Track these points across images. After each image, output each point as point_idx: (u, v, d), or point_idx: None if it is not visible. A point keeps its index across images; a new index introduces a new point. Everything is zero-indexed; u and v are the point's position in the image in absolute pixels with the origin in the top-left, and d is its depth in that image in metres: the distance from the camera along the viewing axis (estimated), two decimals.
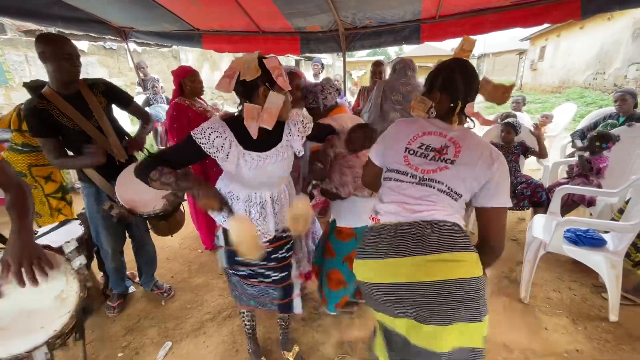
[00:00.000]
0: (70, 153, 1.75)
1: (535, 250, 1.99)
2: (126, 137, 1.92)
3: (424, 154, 1.04)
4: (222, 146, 1.11)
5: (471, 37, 1.12)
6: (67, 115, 1.64)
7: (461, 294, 0.91)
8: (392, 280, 0.96)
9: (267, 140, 1.20)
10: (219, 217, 1.32)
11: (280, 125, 1.22)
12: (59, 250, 1.46)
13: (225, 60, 11.55)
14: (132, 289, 2.30)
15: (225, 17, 3.61)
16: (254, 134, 1.10)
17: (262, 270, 1.39)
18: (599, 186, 2.51)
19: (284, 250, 1.42)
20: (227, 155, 1.12)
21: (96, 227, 1.88)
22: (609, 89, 9.35)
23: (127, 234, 2.06)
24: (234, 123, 1.15)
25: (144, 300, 2.22)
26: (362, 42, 3.80)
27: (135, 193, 1.78)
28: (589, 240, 1.96)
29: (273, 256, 1.38)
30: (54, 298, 1.05)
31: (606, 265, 1.81)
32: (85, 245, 1.97)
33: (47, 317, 1.01)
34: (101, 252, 1.98)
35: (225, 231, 1.31)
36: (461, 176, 0.99)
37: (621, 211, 2.12)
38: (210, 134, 1.10)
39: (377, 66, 3.42)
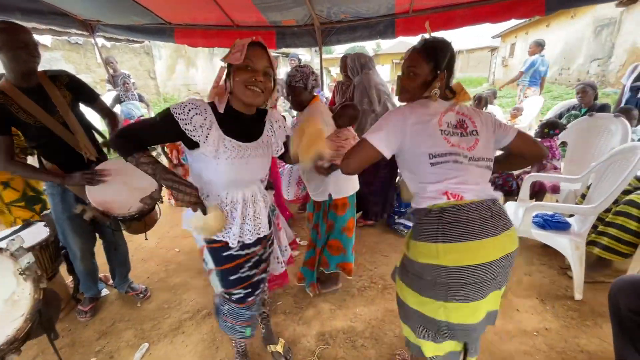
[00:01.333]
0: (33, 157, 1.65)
1: None
2: (97, 137, 1.84)
3: (454, 132, 1.07)
4: (200, 126, 1.04)
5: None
6: (28, 110, 1.52)
7: (511, 263, 1.06)
8: (501, 254, 1.01)
9: (248, 132, 1.16)
10: (188, 214, 1.20)
11: (260, 120, 1.21)
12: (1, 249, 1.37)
13: (200, 56, 11.27)
14: (105, 291, 2.21)
15: (197, 10, 3.51)
16: (221, 108, 1.07)
17: (259, 278, 1.33)
18: (555, 170, 2.67)
19: (267, 248, 1.37)
20: (207, 137, 1.05)
21: (63, 229, 1.79)
22: (574, 83, 9.85)
23: (97, 235, 1.98)
24: (216, 107, 1.09)
25: (118, 302, 2.14)
26: (338, 36, 3.81)
27: (108, 194, 1.70)
28: (555, 224, 2.07)
29: (264, 257, 1.34)
30: (3, 302, 0.98)
31: (571, 247, 1.92)
32: (52, 247, 1.89)
33: None
34: (70, 255, 1.89)
35: (212, 249, 1.21)
36: (488, 144, 1.10)
37: (583, 196, 2.24)
38: (189, 110, 1.02)
39: (344, 61, 3.42)
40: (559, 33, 11.20)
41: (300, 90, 1.76)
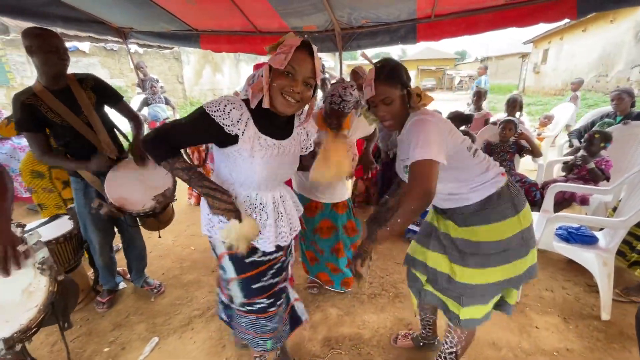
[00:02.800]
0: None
1: None
2: (121, 138, 1.94)
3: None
4: (238, 120, 0.99)
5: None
6: (56, 110, 1.63)
7: None
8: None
9: (281, 129, 1.12)
10: (215, 221, 1.14)
11: (290, 116, 1.15)
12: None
13: (227, 62, 11.64)
14: (122, 285, 2.30)
15: (222, 16, 3.63)
16: (253, 104, 1.01)
17: (282, 286, 1.29)
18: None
19: (287, 256, 1.32)
20: (243, 132, 0.99)
21: (84, 222, 1.89)
22: (612, 91, 9.29)
23: (116, 230, 2.06)
24: (249, 105, 1.03)
25: (134, 296, 2.22)
26: (359, 41, 3.81)
27: (125, 191, 1.77)
28: (581, 237, 1.94)
29: (284, 265, 1.29)
30: (21, 292, 1.02)
31: (598, 262, 1.79)
32: (75, 240, 1.99)
33: (13, 311, 0.99)
34: (90, 248, 1.98)
35: (233, 256, 1.15)
36: None
37: (615, 209, 2.09)
38: (225, 106, 0.98)
39: (354, 74, 3.46)
40: (597, 38, 10.62)
41: (341, 114, 1.68)
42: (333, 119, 1.72)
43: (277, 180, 1.14)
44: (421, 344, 1.67)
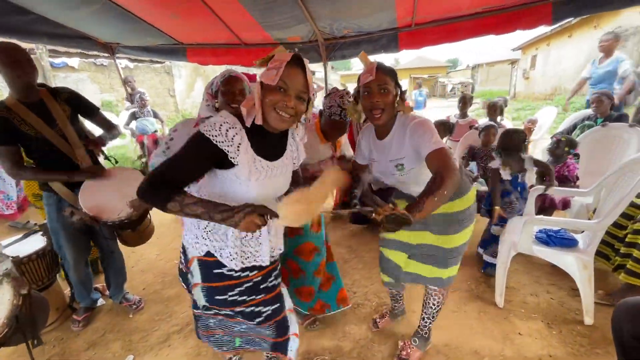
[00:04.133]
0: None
1: (506, 252, 1.94)
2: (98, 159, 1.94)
3: None
4: (238, 144, 0.95)
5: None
6: (29, 123, 1.63)
7: None
8: None
9: (274, 149, 1.08)
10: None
11: (283, 133, 1.10)
12: None
13: (218, 74, 11.74)
14: (101, 301, 2.24)
15: (207, 30, 3.67)
16: (248, 122, 0.96)
17: (251, 308, 1.17)
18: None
19: (272, 277, 1.23)
20: (239, 154, 0.95)
21: (57, 237, 1.85)
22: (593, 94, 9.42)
23: (92, 244, 2.03)
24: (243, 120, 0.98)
25: (112, 313, 2.17)
26: (343, 51, 3.85)
27: (99, 199, 1.76)
28: (560, 240, 1.92)
29: (262, 286, 1.19)
30: None
31: (577, 265, 1.77)
32: (49, 257, 1.95)
33: None
34: (64, 264, 1.94)
35: (202, 262, 1.12)
36: None
37: (595, 211, 2.08)
38: (222, 126, 0.93)
39: None
40: (583, 43, 10.82)
41: (340, 125, 1.64)
42: (335, 131, 1.68)
43: (269, 199, 1.07)
44: (398, 317, 1.91)
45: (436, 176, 1.08)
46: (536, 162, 2.18)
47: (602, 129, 2.66)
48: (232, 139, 0.94)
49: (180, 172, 0.93)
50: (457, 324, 1.86)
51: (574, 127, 3.18)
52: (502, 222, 2.17)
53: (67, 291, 2.23)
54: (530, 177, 2.36)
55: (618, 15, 8.42)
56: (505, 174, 2.15)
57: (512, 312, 1.92)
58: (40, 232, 2.00)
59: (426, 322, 1.63)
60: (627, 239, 1.87)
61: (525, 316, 1.89)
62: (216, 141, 0.92)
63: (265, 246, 1.13)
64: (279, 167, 1.07)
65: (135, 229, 1.98)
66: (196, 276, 1.16)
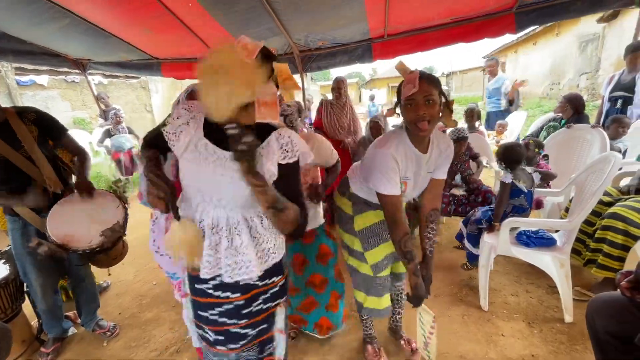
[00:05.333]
0: None
1: (487, 255, 1.98)
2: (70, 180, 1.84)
3: None
4: (179, 123, 0.98)
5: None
6: None
7: None
8: None
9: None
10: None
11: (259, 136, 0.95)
12: None
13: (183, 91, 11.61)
14: (72, 330, 2.11)
15: (181, 44, 3.63)
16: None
17: (235, 331, 1.07)
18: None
19: (260, 301, 1.09)
20: (179, 135, 0.96)
21: (23, 265, 1.74)
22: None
23: (61, 270, 1.92)
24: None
25: (84, 342, 2.04)
26: (318, 63, 3.90)
27: (70, 227, 1.66)
28: (539, 240, 1.97)
29: (244, 311, 1.07)
30: None
31: (555, 265, 1.82)
32: (13, 286, 1.83)
33: None
34: (30, 292, 1.82)
35: (189, 276, 1.09)
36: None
37: (567, 209, 2.16)
38: (181, 109, 1.00)
39: (338, 83, 3.45)
40: (547, 50, 11.45)
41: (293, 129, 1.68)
42: None
43: (212, 195, 0.97)
44: (402, 333, 1.81)
45: (433, 217, 1.33)
46: (541, 173, 2.23)
47: (567, 130, 2.79)
48: (178, 119, 0.98)
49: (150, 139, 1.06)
50: (442, 329, 1.86)
51: (541, 129, 3.32)
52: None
53: (34, 322, 2.09)
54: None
55: (577, 23, 8.96)
56: (523, 186, 2.06)
57: (495, 314, 1.95)
58: (2, 260, 1.88)
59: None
60: (596, 235, 1.95)
61: (507, 317, 1.92)
62: (167, 121, 0.99)
63: (247, 258, 0.99)
64: (227, 159, 0.94)
65: (108, 254, 1.89)
66: (185, 285, 1.14)
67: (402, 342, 1.76)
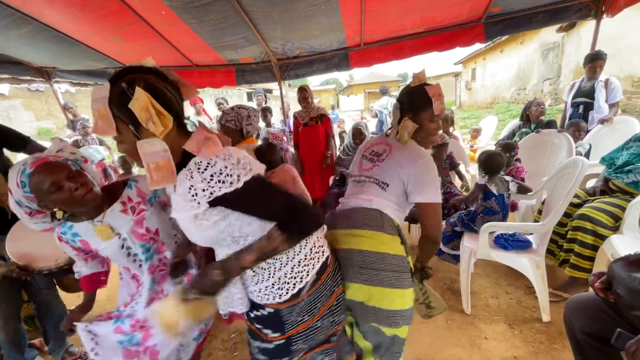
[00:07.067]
0: None
1: (467, 259, 2.02)
2: None
3: (369, 157, 1.32)
4: None
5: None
6: None
7: (359, 261, 1.13)
8: (342, 246, 1.18)
9: None
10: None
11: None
12: None
13: None
14: (38, 359, 1.95)
15: (154, 52, 3.52)
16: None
17: None
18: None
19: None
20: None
21: None
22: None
23: (24, 295, 1.78)
24: None
25: None
26: (296, 71, 3.91)
27: (32, 246, 1.54)
28: (516, 243, 2.03)
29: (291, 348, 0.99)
30: None
31: (531, 266, 1.88)
32: None
33: None
34: None
35: None
36: (389, 171, 1.23)
37: (540, 211, 2.25)
38: None
39: (302, 92, 3.46)
40: (513, 57, 12.08)
41: (232, 131, 1.70)
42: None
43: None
44: None
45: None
46: (518, 184, 2.30)
47: (536, 135, 2.93)
48: None
49: None
50: (427, 335, 1.88)
51: (513, 134, 3.47)
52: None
53: None
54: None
55: (538, 32, 9.51)
56: (494, 189, 2.15)
57: (477, 317, 1.99)
58: None
59: None
60: (568, 236, 2.04)
61: (488, 319, 1.96)
62: None
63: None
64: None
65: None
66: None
67: None
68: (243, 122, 1.70)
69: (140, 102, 0.70)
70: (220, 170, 0.76)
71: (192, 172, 0.76)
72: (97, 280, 1.33)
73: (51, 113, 6.64)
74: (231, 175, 0.76)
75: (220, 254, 0.93)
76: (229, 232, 0.84)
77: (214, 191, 0.75)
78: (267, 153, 1.69)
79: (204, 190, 0.75)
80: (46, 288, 1.80)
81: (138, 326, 1.17)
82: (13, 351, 1.74)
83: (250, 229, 0.85)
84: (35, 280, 1.71)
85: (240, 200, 0.79)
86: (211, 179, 0.75)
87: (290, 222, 0.83)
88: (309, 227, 0.87)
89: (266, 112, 4.52)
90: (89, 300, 1.30)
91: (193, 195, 0.76)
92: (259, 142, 4.59)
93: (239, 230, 0.84)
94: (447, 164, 2.88)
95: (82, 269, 1.28)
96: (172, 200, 0.85)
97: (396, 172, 1.21)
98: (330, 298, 1.03)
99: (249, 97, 15.81)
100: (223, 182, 0.75)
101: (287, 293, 0.92)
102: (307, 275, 0.94)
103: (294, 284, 0.93)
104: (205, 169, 0.76)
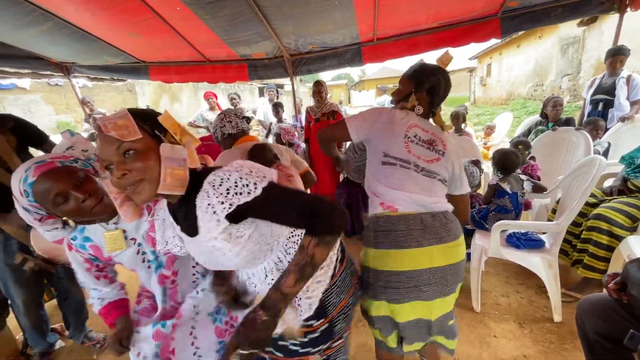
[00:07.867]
0: None
1: (478, 257, 2.01)
2: None
3: (419, 143, 1.18)
4: None
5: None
6: None
7: (452, 272, 1.15)
8: (430, 265, 1.10)
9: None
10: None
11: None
12: None
13: (185, 91, 11.47)
14: (60, 344, 2.04)
15: (169, 48, 3.58)
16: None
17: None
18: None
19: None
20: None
21: (4, 280, 1.68)
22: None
23: (46, 282, 1.86)
24: None
25: (73, 355, 1.99)
26: (309, 66, 3.90)
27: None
28: (529, 242, 2.01)
29: (280, 343, 1.01)
30: None
31: (543, 265, 1.86)
32: None
33: None
34: (13, 308, 1.76)
35: None
36: (447, 166, 1.19)
37: (554, 210, 2.21)
38: None
39: (317, 86, 3.50)
40: (530, 52, 11.74)
41: (224, 140, 1.68)
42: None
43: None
44: None
45: None
46: (534, 183, 2.26)
47: (553, 132, 2.86)
48: None
49: None
50: None
51: (529, 131, 3.40)
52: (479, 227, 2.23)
53: (19, 336, 2.02)
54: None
55: (558, 26, 9.22)
56: (507, 187, 2.12)
57: (487, 315, 1.98)
58: None
59: None
60: (582, 236, 2.00)
61: (498, 318, 1.95)
62: None
63: None
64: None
65: None
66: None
67: None
68: (218, 131, 1.66)
69: (169, 119, 0.78)
70: (236, 182, 0.75)
71: (208, 192, 0.75)
72: (120, 304, 1.19)
73: (70, 107, 6.83)
74: (247, 185, 0.75)
75: (249, 273, 0.96)
76: (265, 240, 0.86)
77: (234, 202, 0.75)
78: (259, 153, 1.66)
79: (222, 203, 0.74)
80: (66, 278, 1.87)
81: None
82: (36, 335, 1.84)
83: (281, 229, 0.90)
84: (57, 271, 1.79)
85: (263, 206, 0.77)
86: (228, 193, 0.75)
87: (316, 221, 0.77)
88: (336, 221, 0.79)
89: (278, 107, 4.54)
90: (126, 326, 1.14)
91: (213, 213, 0.75)
92: (271, 137, 4.63)
93: (271, 235, 0.87)
94: None
95: (95, 300, 1.16)
96: (201, 229, 0.80)
97: (451, 166, 1.21)
98: (354, 274, 1.11)
99: (261, 92, 15.85)
100: (241, 193, 0.75)
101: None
102: (334, 253, 1.02)
103: (329, 265, 0.99)
104: (221, 184, 0.75)
